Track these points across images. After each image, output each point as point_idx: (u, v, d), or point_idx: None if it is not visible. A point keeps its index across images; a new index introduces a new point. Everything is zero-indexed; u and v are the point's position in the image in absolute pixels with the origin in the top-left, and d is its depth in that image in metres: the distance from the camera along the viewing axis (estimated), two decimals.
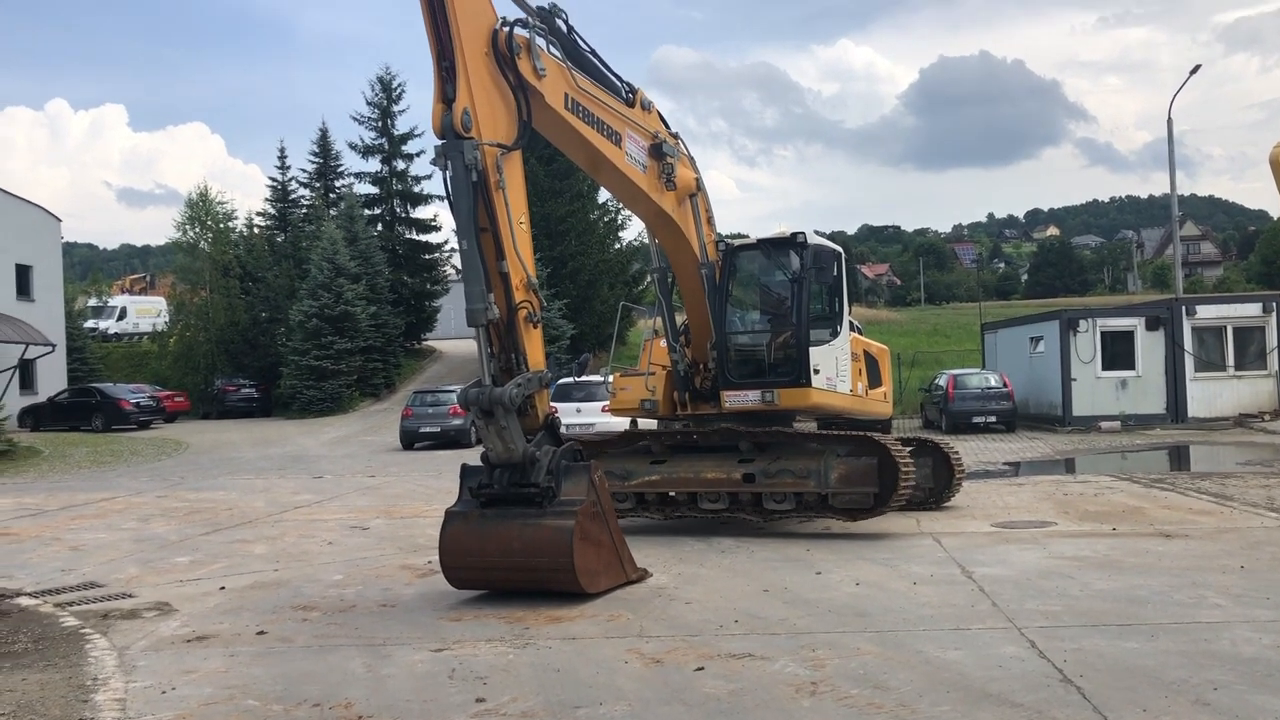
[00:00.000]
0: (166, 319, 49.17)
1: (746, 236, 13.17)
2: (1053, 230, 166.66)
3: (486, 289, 8.44)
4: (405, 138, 49.24)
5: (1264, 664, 6.32)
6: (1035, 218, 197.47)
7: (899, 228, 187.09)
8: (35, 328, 35.54)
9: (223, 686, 6.59)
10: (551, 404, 23.04)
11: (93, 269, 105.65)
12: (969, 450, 22.85)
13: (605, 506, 8.95)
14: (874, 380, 14.04)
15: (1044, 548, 10.60)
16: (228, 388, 42.08)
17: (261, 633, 8.02)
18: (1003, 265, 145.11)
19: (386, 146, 49.12)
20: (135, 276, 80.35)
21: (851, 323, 13.70)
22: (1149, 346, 27.20)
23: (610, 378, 14.20)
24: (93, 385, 37.73)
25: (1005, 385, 28.01)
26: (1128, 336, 27.36)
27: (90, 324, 51.49)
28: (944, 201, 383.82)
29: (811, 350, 11.96)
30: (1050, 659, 6.54)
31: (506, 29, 8.69)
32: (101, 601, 9.45)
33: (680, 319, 12.87)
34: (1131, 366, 27.21)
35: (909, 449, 13.76)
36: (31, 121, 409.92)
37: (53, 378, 38.44)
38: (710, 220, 12.35)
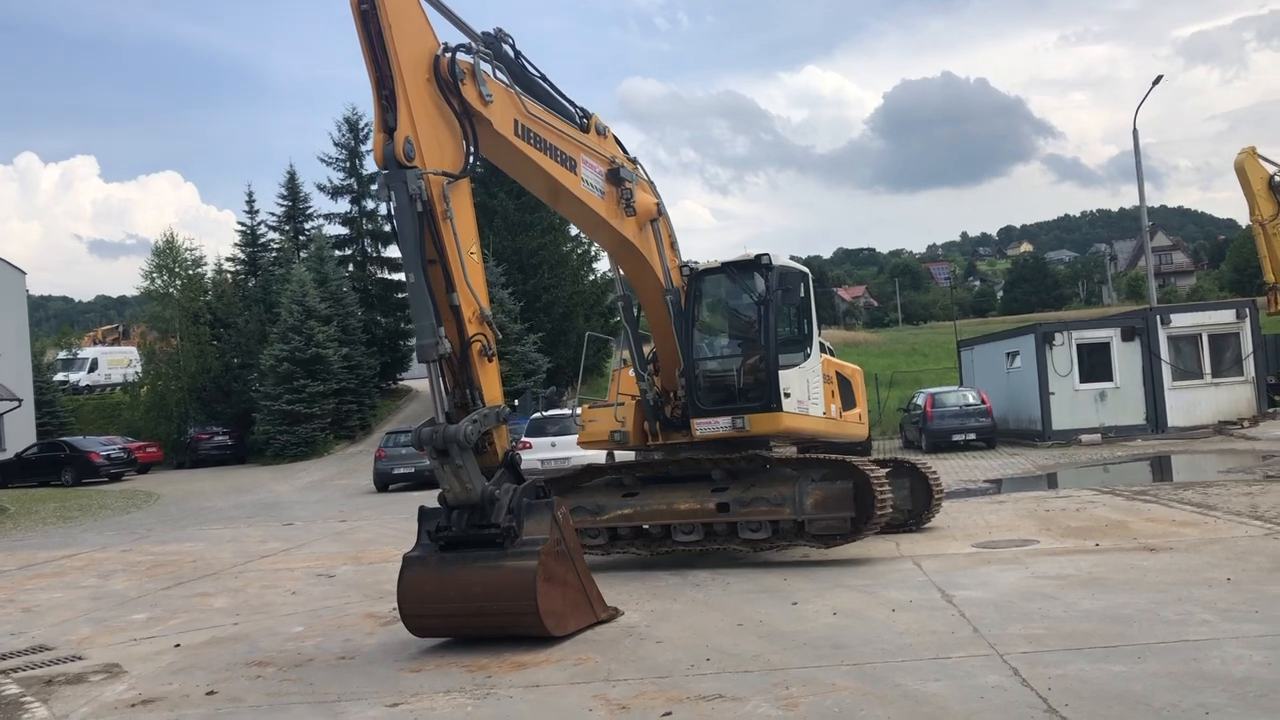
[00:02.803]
0: (138, 369, 48.53)
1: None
2: (1026, 246, 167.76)
3: (437, 323, 8.14)
4: (374, 177, 48.95)
5: (1256, 683, 6.02)
6: (1009, 235, 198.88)
7: (874, 250, 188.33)
8: (0, 383, 34.96)
9: None
10: (525, 439, 22.59)
11: (68, 321, 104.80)
12: (949, 469, 22.61)
13: (571, 545, 8.60)
14: (848, 402, 13.77)
15: (1026, 567, 10.31)
16: (201, 436, 41.46)
17: (211, 693, 7.63)
18: (978, 283, 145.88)
19: (356, 186, 48.91)
20: (108, 327, 79.54)
21: (823, 344, 13.44)
22: (1126, 357, 27.08)
23: (578, 410, 13.88)
24: (62, 439, 37.09)
25: (984, 402, 27.83)
26: (1104, 348, 27.24)
27: (60, 377, 50.79)
28: (917, 222, 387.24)
29: (781, 374, 11.68)
30: (1034, 687, 6.23)
31: (449, 55, 8.43)
32: (48, 666, 9.03)
33: (649, 348, 12.59)
34: (1109, 378, 27.07)
35: (886, 470, 13.52)
36: (1, 176, 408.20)
37: (21, 433, 37.81)
38: (674, 245, 12.10)
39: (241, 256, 49.79)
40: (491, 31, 9.21)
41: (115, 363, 54.62)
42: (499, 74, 9.14)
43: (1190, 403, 26.80)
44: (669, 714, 6.26)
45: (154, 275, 45.29)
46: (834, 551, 11.49)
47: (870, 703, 6.19)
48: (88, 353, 57.87)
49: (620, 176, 10.78)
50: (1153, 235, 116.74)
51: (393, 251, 49.65)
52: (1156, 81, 34.00)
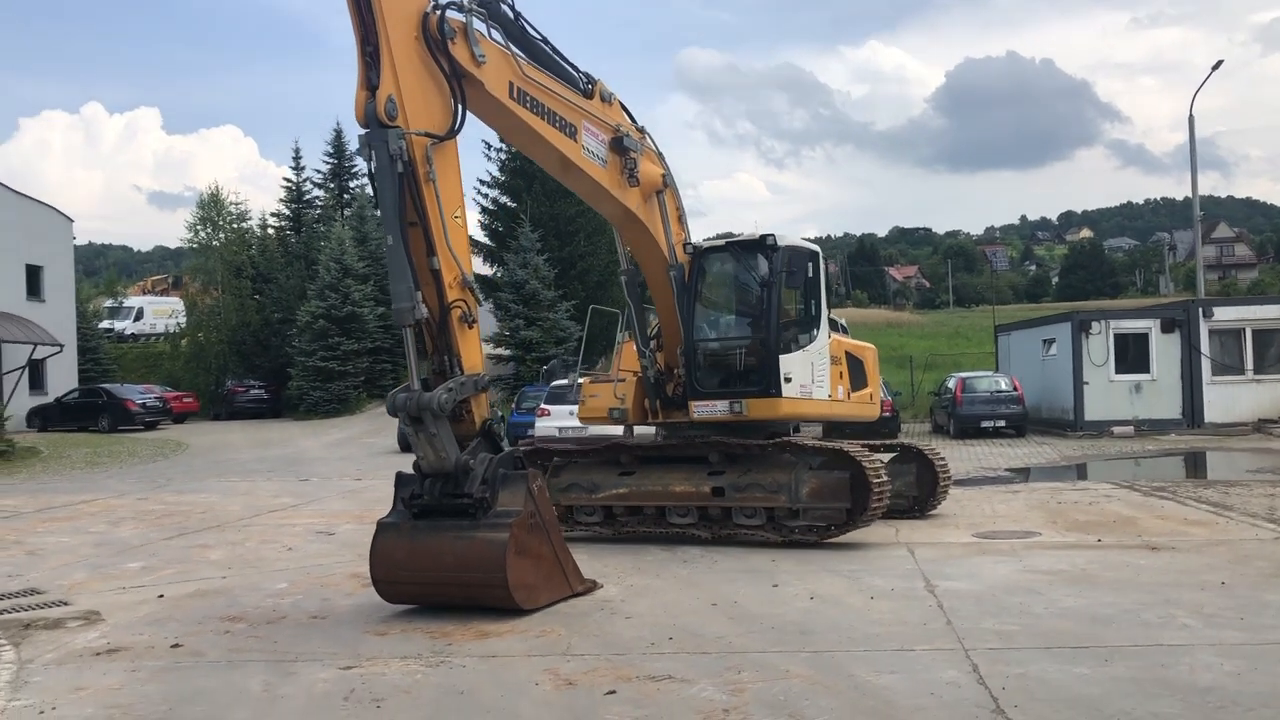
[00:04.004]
0: (181, 320, 49.20)
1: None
2: (1086, 232, 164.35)
3: (414, 287, 8.03)
4: None
5: (1219, 693, 5.80)
6: (1069, 220, 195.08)
7: (930, 230, 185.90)
8: (44, 328, 35.56)
9: (105, 706, 6.23)
10: (544, 407, 22.34)
11: (126, 271, 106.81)
12: (973, 455, 22.30)
13: (546, 517, 8.51)
14: (858, 382, 13.46)
15: (1020, 560, 10.07)
16: (237, 389, 41.98)
17: (176, 645, 7.67)
18: (1034, 268, 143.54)
19: None
20: (158, 277, 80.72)
21: (835, 321, 13.18)
22: (1164, 349, 26.42)
23: (579, 383, 13.74)
24: (100, 386, 37.75)
25: (1015, 389, 27.29)
26: (1142, 339, 26.59)
27: (106, 324, 51.59)
28: (976, 203, 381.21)
29: (783, 358, 11.38)
30: (988, 685, 6.05)
31: (438, 12, 8.26)
32: (32, 610, 9.14)
33: (654, 323, 12.41)
34: (1146, 369, 26.44)
35: (891, 455, 13.29)
36: (67, 125, 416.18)
37: (63, 378, 38.49)
38: (681, 219, 11.87)
39: (286, 212, 50.17)
40: None
41: (160, 313, 55.35)
42: (494, 34, 8.96)
43: (1230, 399, 26.12)
44: (613, 692, 6.17)
45: (198, 228, 45.83)
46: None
47: (817, 692, 6.05)
48: (134, 302, 58.80)
49: (624, 145, 10.54)
50: (1215, 226, 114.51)
51: None
52: (1216, 66, 33.16)
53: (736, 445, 11.37)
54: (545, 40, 9.70)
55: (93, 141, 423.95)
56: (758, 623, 7.82)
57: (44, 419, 35.26)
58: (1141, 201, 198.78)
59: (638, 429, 12.91)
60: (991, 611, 7.94)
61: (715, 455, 11.52)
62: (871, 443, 13.41)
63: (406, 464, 8.82)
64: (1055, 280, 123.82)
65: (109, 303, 56.64)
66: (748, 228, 11.88)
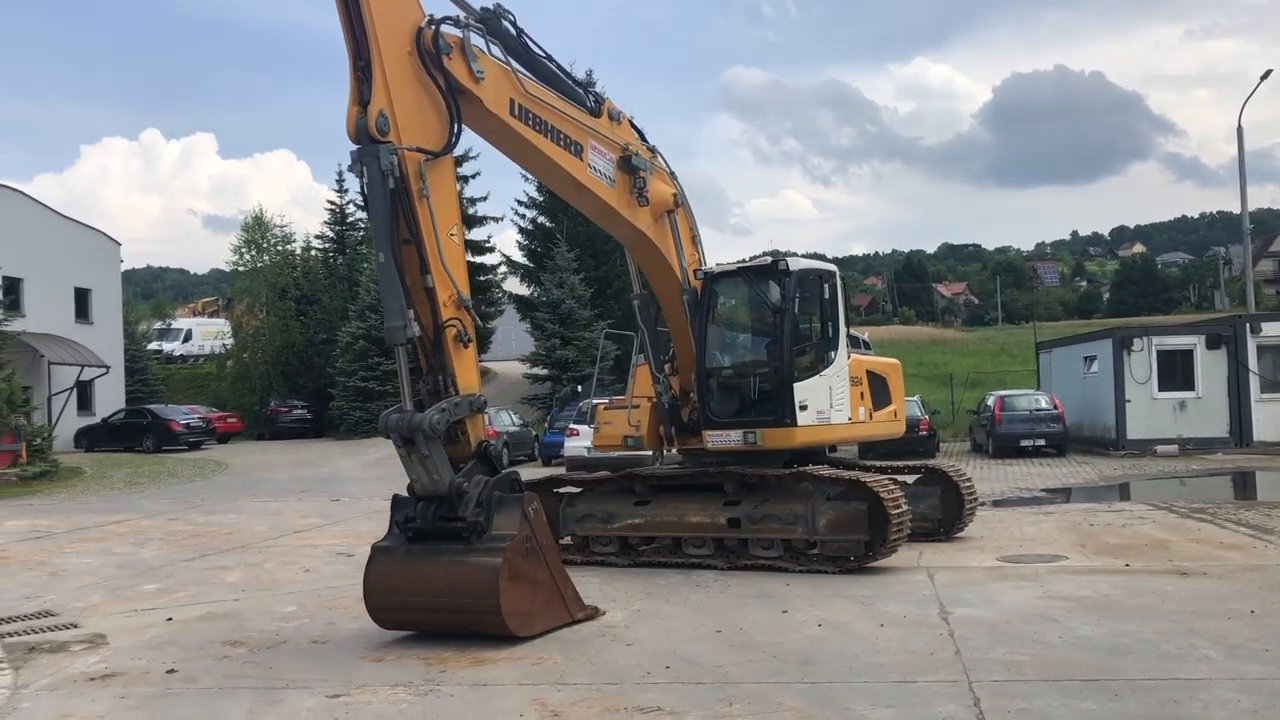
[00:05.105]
0: (230, 341, 49.80)
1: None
2: (1139, 247, 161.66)
3: (406, 305, 7.95)
4: (460, 160, 49.16)
5: None
6: (1121, 235, 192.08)
7: (979, 246, 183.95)
8: (91, 350, 36.14)
9: None
10: (573, 427, 22.17)
11: (182, 293, 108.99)
12: (1010, 475, 21.83)
13: (543, 541, 8.35)
14: (880, 400, 13.13)
15: (1042, 586, 9.75)
16: (280, 409, 42.30)
17: (172, 671, 7.61)
18: (1085, 283, 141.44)
19: None
20: (208, 299, 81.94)
21: (856, 338, 12.90)
22: (1210, 366, 25.72)
23: (593, 405, 13.59)
24: (145, 406, 38.21)
25: (1055, 407, 26.69)
26: (1187, 355, 25.91)
27: (155, 346, 52.34)
28: (1027, 219, 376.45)
29: (799, 385, 11.07)
30: None
31: (433, 27, 8.18)
32: (41, 632, 9.15)
33: (671, 347, 12.23)
34: (1191, 387, 25.76)
35: (915, 477, 12.98)
36: (126, 151, 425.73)
37: (111, 399, 39.07)
38: (695, 239, 11.69)
39: (330, 234, 50.63)
40: (490, 7, 8.94)
41: (208, 334, 55.95)
42: (494, 50, 8.86)
43: (1278, 416, 25.34)
44: None
45: (242, 250, 46.42)
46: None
47: None
48: (183, 323, 59.65)
49: (633, 165, 10.40)
50: (1274, 239, 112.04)
51: (475, 234, 49.86)
52: (1265, 76, 32.48)
53: (753, 475, 11.14)
54: (549, 57, 9.61)
55: (150, 167, 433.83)
56: (760, 651, 7.60)
57: (90, 439, 35.80)
58: (1196, 215, 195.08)
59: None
60: (1003, 641, 7.65)
61: (731, 485, 11.30)
62: (895, 464, 13.16)
63: None
64: (1106, 296, 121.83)
65: (158, 324, 57.48)
66: (794, 246, 11.89)
